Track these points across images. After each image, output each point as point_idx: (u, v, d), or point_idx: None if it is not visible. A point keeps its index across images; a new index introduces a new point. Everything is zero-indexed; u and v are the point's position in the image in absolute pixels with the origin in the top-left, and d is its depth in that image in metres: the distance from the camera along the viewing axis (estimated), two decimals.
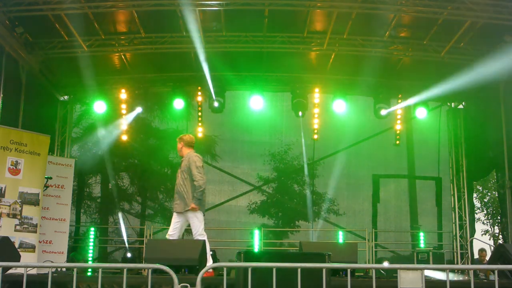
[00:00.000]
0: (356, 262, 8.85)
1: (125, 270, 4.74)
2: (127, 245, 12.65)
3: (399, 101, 12.76)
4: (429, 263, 10.67)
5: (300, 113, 12.53)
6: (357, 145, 13.49)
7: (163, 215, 14.03)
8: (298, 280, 4.51)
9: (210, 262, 7.56)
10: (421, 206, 13.63)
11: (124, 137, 12.85)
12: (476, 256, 12.40)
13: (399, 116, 12.93)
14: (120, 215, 13.01)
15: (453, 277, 7.45)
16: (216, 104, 12.21)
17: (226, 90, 12.53)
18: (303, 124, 13.14)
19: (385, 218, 13.56)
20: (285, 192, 14.63)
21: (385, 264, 11.55)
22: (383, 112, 12.38)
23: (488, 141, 11.96)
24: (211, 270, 6.92)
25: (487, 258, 12.34)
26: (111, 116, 12.89)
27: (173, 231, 7.60)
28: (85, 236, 12.78)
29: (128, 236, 13.88)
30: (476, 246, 12.89)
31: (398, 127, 13.00)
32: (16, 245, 8.31)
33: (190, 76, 12.48)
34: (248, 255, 5.36)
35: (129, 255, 12.56)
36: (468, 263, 12.01)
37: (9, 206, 8.82)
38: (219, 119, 12.96)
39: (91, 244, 12.29)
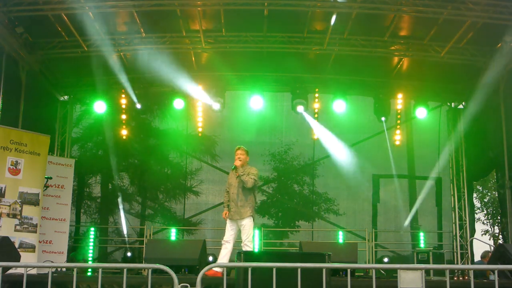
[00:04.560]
0: (356, 262, 8.87)
1: (125, 270, 4.75)
2: (127, 244, 12.66)
3: (399, 100, 12.78)
4: (429, 263, 10.67)
5: (383, 118, 12.65)
6: (357, 145, 13.50)
7: (163, 215, 14.02)
8: (298, 280, 4.52)
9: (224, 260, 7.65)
10: (421, 206, 13.62)
11: (124, 137, 12.85)
12: (478, 258, 12.36)
13: (399, 116, 12.94)
14: (122, 213, 13.01)
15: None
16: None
17: (226, 90, 12.52)
18: (302, 124, 13.13)
19: (385, 218, 13.55)
20: (285, 192, 14.63)
21: (385, 260, 11.61)
22: (383, 119, 12.50)
23: (488, 141, 11.96)
24: (219, 269, 6.97)
25: None
26: (111, 116, 12.89)
27: (229, 237, 7.86)
28: (85, 236, 12.78)
29: (128, 236, 13.91)
30: (476, 246, 12.88)
31: (398, 127, 13.02)
32: (16, 245, 8.31)
33: (190, 76, 12.47)
34: (248, 255, 5.37)
35: (129, 254, 12.56)
36: (468, 263, 12.00)
37: (9, 206, 8.81)
38: (219, 119, 12.95)
39: (91, 244, 12.29)
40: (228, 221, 7.93)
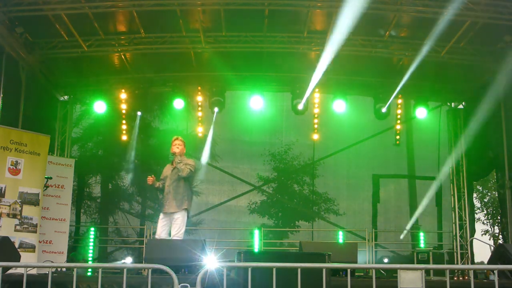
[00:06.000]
0: (356, 262, 8.86)
1: (125, 270, 4.75)
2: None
3: (399, 100, 12.78)
4: (429, 263, 10.67)
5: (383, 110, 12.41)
6: (357, 145, 13.49)
7: None
8: (298, 280, 4.51)
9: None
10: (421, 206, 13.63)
11: (124, 137, 12.85)
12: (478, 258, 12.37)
13: (399, 116, 12.94)
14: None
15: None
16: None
17: (226, 90, 12.52)
18: (303, 124, 13.13)
19: (385, 218, 13.55)
20: (285, 192, 14.62)
21: (385, 260, 11.62)
22: (383, 109, 12.41)
23: (488, 141, 11.96)
24: None
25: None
26: (111, 116, 12.90)
27: (161, 233, 7.84)
28: (85, 236, 12.78)
29: (127, 236, 13.91)
30: (476, 246, 12.89)
31: (398, 127, 13.01)
32: (16, 245, 8.31)
33: (190, 76, 12.49)
34: (248, 255, 5.37)
35: (129, 260, 12.55)
36: (468, 263, 12.00)
37: (9, 206, 8.82)
38: (219, 119, 12.96)
39: (91, 244, 12.29)
40: (161, 215, 7.88)
